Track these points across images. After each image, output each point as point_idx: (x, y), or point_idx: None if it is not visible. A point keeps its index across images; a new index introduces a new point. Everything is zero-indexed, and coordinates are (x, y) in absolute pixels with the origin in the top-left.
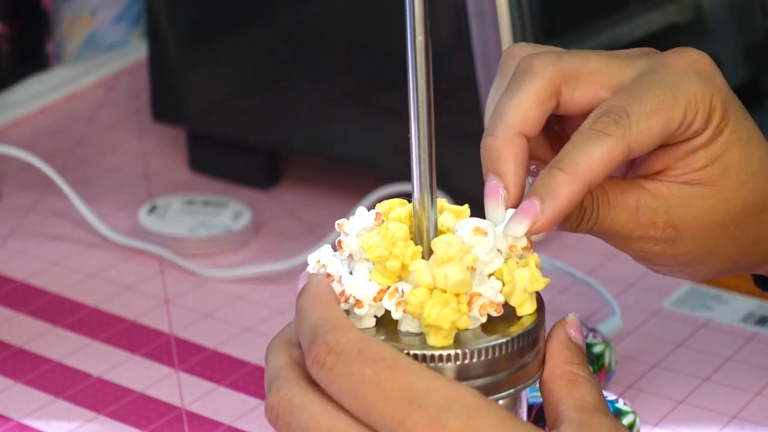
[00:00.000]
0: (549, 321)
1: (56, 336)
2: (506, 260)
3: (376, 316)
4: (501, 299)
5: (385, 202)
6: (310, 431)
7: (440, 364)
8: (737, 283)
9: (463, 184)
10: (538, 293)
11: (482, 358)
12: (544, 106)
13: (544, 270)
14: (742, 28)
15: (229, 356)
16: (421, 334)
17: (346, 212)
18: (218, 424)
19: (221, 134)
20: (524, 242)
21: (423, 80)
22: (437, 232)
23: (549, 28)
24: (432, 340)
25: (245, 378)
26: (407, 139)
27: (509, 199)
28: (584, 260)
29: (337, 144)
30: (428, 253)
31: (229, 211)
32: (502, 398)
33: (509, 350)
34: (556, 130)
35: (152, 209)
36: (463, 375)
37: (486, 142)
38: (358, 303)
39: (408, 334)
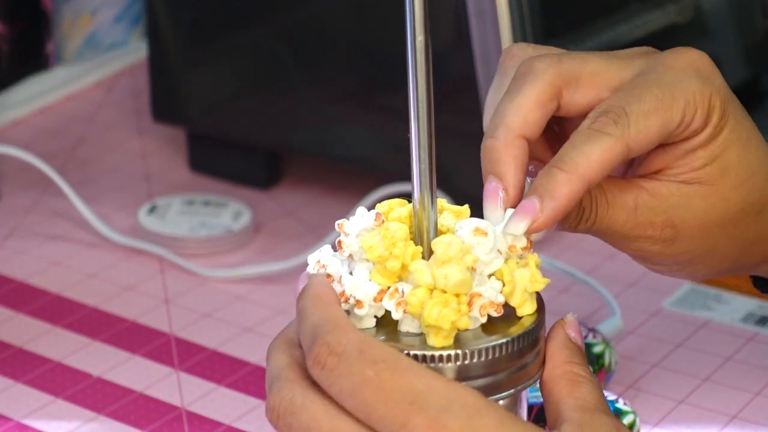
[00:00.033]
0: (549, 321)
1: (56, 336)
2: (506, 260)
3: (376, 317)
4: (501, 299)
5: (385, 203)
6: None
7: (440, 364)
8: (737, 283)
9: (463, 184)
10: (538, 293)
11: (482, 358)
12: (544, 109)
13: (544, 270)
14: (742, 28)
15: (229, 356)
16: (421, 335)
17: (346, 212)
18: (218, 424)
19: (221, 134)
20: (524, 242)
21: (423, 80)
22: (437, 233)
23: (549, 28)
24: (432, 340)
25: (245, 378)
26: (407, 139)
27: (508, 200)
28: (584, 260)
29: (337, 144)
30: (428, 254)
31: (229, 211)
32: (502, 398)
33: (509, 350)
34: (556, 131)
35: (152, 209)
36: (463, 375)
37: (486, 144)
38: (359, 303)
39: (408, 334)
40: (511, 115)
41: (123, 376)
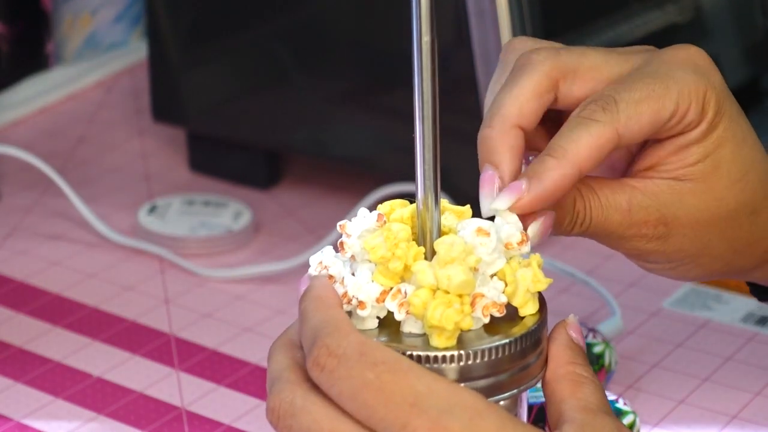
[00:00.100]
0: (550, 321)
1: (56, 336)
2: (509, 261)
3: (378, 318)
4: (504, 300)
5: (387, 203)
6: None
7: (443, 365)
8: (737, 283)
9: (463, 184)
10: (540, 293)
11: (485, 359)
12: (541, 100)
13: (544, 270)
14: (742, 28)
15: (229, 356)
16: (423, 335)
17: (346, 212)
18: (218, 424)
19: (221, 134)
20: (518, 237)
21: (428, 81)
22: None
23: (549, 28)
24: (435, 341)
25: (245, 378)
26: (407, 139)
27: (504, 188)
28: (584, 260)
29: (337, 144)
30: (431, 254)
31: (229, 211)
32: (504, 399)
33: (512, 351)
34: (558, 124)
35: (152, 209)
36: (465, 376)
37: (483, 134)
38: (361, 304)
39: (411, 335)
40: (508, 105)
41: (123, 376)
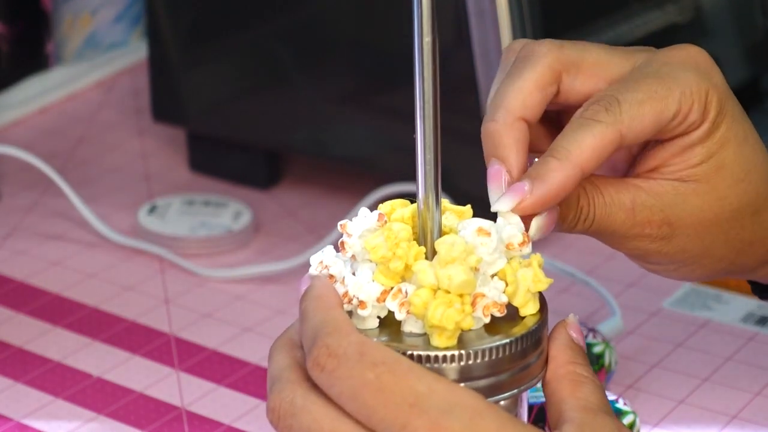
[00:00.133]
0: (550, 321)
1: (56, 336)
2: (509, 260)
3: (379, 317)
4: (504, 300)
5: (387, 203)
6: None
7: (443, 364)
8: (737, 283)
9: (464, 183)
10: (540, 293)
11: (485, 358)
12: (544, 92)
13: (544, 270)
14: (742, 28)
15: (229, 356)
16: (424, 335)
17: (346, 212)
18: (218, 424)
19: (221, 134)
20: (519, 238)
21: (429, 81)
22: (441, 233)
23: (549, 28)
24: (436, 340)
25: (245, 378)
26: (407, 139)
27: (512, 182)
28: (584, 260)
29: (337, 144)
30: (432, 254)
31: (229, 211)
32: (504, 399)
33: (512, 351)
34: (558, 125)
35: (152, 209)
36: (466, 376)
37: (487, 127)
38: (362, 304)
39: (411, 334)
40: (511, 98)
41: (123, 376)
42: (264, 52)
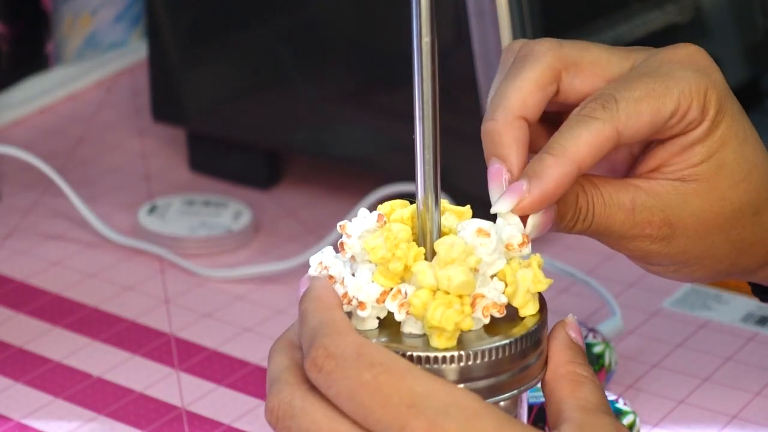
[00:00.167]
0: (550, 321)
1: (56, 336)
2: (509, 261)
3: (378, 318)
4: (504, 300)
5: (387, 204)
6: None
7: (443, 365)
8: (737, 283)
9: (463, 183)
10: (540, 294)
11: (485, 359)
12: (544, 91)
13: (544, 270)
14: (742, 28)
15: (229, 356)
16: (423, 336)
17: (346, 212)
18: (218, 424)
19: (221, 134)
20: (519, 239)
21: (429, 81)
22: (440, 234)
23: (549, 28)
24: (435, 341)
25: (245, 378)
26: (407, 139)
27: (512, 181)
28: (584, 260)
29: (337, 144)
30: (431, 255)
31: (229, 211)
32: (504, 400)
33: (512, 351)
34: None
35: (152, 209)
36: (465, 377)
37: (486, 126)
38: (361, 305)
39: (411, 335)
40: (511, 97)
41: (123, 376)
42: (264, 52)
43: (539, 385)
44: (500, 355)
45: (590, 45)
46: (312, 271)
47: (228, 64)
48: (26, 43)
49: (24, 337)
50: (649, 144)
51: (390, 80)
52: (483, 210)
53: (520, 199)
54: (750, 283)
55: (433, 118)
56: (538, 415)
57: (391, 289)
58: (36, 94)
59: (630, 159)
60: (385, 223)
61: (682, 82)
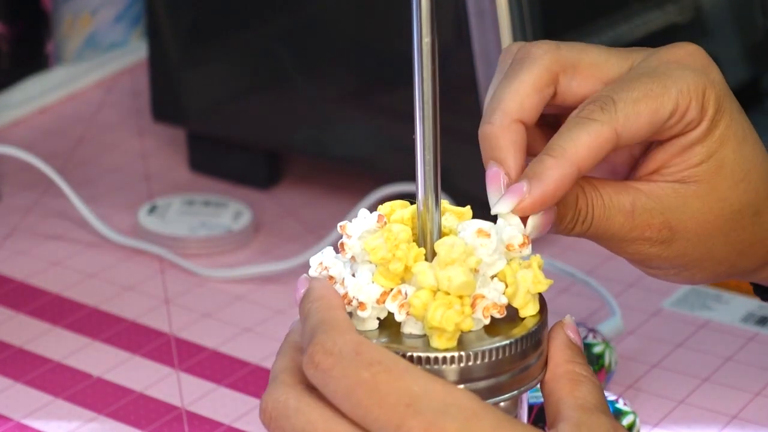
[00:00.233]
0: (550, 322)
1: (56, 336)
2: (509, 262)
3: (379, 319)
4: (504, 301)
5: (387, 204)
6: None
7: (443, 366)
8: (737, 283)
9: (463, 184)
10: (540, 294)
11: (485, 360)
12: (541, 94)
13: (544, 270)
14: (742, 28)
15: (229, 356)
16: (424, 337)
17: (346, 212)
18: (218, 424)
19: (221, 134)
20: (519, 239)
21: (429, 82)
22: (440, 234)
23: (549, 28)
24: (435, 342)
25: (245, 378)
26: (407, 139)
27: (510, 184)
28: (584, 260)
29: (337, 144)
30: (431, 255)
31: (229, 211)
32: (504, 400)
33: (512, 352)
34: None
35: (152, 209)
36: (465, 377)
37: (483, 130)
38: (361, 305)
39: (411, 336)
40: (508, 100)
41: (123, 376)
42: (264, 52)
43: (539, 385)
44: (500, 356)
45: (588, 47)
46: (312, 272)
47: (228, 64)
48: (26, 43)
49: (24, 337)
50: (649, 146)
51: (390, 80)
52: (483, 210)
53: (521, 200)
54: (752, 283)
55: (433, 118)
56: (538, 415)
57: (392, 289)
58: (36, 94)
59: (630, 161)
60: (385, 223)
61: (680, 82)
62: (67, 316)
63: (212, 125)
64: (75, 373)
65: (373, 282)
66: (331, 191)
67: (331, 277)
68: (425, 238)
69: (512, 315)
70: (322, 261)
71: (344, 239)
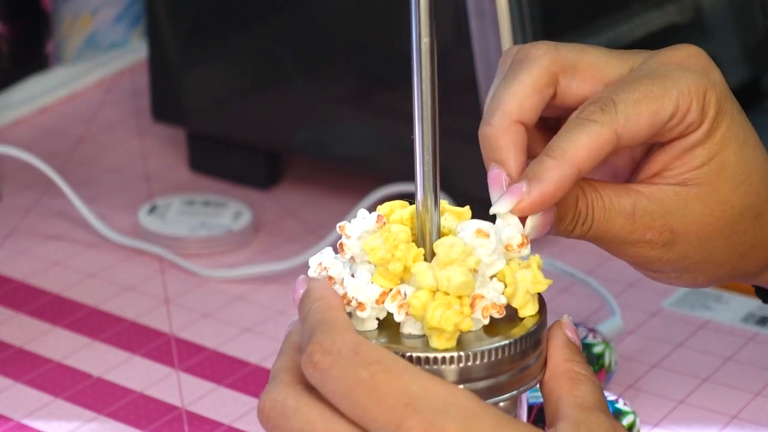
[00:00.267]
0: (549, 322)
1: (56, 336)
2: (508, 262)
3: (378, 319)
4: (503, 301)
5: (386, 204)
6: None
7: (443, 366)
8: (737, 284)
9: (463, 184)
10: (540, 294)
11: (485, 360)
12: (541, 94)
13: (544, 270)
14: (742, 28)
15: (229, 356)
16: (423, 337)
17: (346, 212)
18: (218, 424)
19: (221, 134)
20: (518, 239)
21: (428, 82)
22: (439, 235)
23: (549, 28)
24: (435, 342)
25: (245, 378)
26: (407, 140)
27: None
28: (584, 260)
29: (337, 144)
30: (430, 256)
31: (229, 211)
32: (504, 400)
33: (512, 352)
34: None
35: (152, 209)
36: (465, 377)
37: (483, 131)
38: (360, 306)
39: (410, 336)
40: (507, 101)
41: (123, 376)
42: (264, 52)
43: (539, 385)
44: (500, 356)
45: (588, 48)
46: (311, 272)
47: (228, 64)
48: (26, 43)
49: (24, 337)
50: (650, 149)
51: (390, 80)
52: (482, 210)
53: (519, 200)
54: (754, 285)
55: (433, 118)
56: (538, 415)
57: (391, 290)
58: (36, 94)
59: (631, 164)
60: (384, 223)
61: (680, 83)
62: (67, 316)
63: (212, 125)
64: (75, 373)
65: (372, 282)
66: (331, 191)
67: (330, 278)
68: (424, 239)
69: (511, 315)
70: (322, 261)
71: (343, 240)
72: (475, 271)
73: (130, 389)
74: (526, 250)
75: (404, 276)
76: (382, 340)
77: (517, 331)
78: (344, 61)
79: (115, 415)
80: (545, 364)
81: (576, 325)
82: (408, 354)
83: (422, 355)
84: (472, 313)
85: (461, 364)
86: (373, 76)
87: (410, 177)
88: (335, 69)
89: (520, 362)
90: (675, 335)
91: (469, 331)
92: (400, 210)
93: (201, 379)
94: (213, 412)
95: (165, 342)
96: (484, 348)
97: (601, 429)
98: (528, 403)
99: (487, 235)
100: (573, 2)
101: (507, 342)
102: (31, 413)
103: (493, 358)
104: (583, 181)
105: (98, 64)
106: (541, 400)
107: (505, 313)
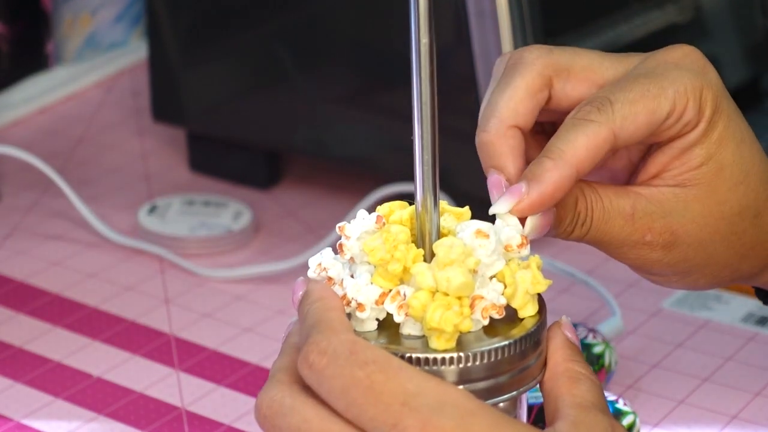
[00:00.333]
0: (549, 322)
1: (56, 336)
2: (508, 262)
3: (377, 320)
4: (503, 301)
5: (386, 205)
6: None
7: (442, 367)
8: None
9: (463, 184)
10: (539, 295)
11: (484, 360)
12: (535, 98)
13: (544, 270)
14: (742, 28)
15: (229, 356)
16: (423, 338)
17: (346, 212)
18: (218, 424)
19: (221, 134)
20: (518, 240)
21: (427, 82)
22: (439, 235)
23: (549, 28)
24: (434, 343)
25: (245, 378)
26: (407, 140)
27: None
28: (584, 260)
29: (337, 144)
30: (430, 256)
31: (229, 211)
32: (504, 401)
33: (511, 353)
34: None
35: (152, 209)
36: (465, 378)
37: (480, 138)
38: (360, 306)
39: (410, 337)
40: (502, 107)
41: (123, 376)
42: (264, 52)
43: (539, 385)
44: (499, 357)
45: (581, 51)
46: (311, 273)
47: (228, 64)
48: (26, 43)
49: (24, 337)
50: (648, 150)
51: (390, 80)
52: (482, 211)
53: (519, 201)
54: (753, 286)
55: (432, 118)
56: (538, 415)
57: (390, 290)
58: (36, 94)
59: (630, 167)
60: (384, 224)
61: (677, 82)
62: (67, 316)
63: (212, 125)
64: (75, 373)
65: (371, 283)
66: (331, 191)
67: (329, 279)
68: (424, 239)
69: (511, 315)
70: (321, 262)
71: (343, 240)
72: (474, 271)
73: (130, 389)
74: (526, 251)
75: (404, 277)
76: (382, 341)
77: (517, 332)
78: (344, 61)
79: (115, 415)
80: (545, 364)
81: (576, 325)
82: (407, 355)
83: (422, 355)
84: (471, 313)
85: (461, 365)
86: (373, 76)
87: (410, 177)
88: (335, 69)
89: (519, 363)
90: (675, 335)
91: (469, 332)
92: (399, 210)
93: (201, 379)
94: (213, 412)
95: (165, 342)
96: (483, 349)
97: (600, 428)
98: (528, 403)
99: (487, 236)
100: (573, 2)
101: (507, 343)
102: (31, 413)
103: (492, 359)
104: (583, 182)
105: (98, 64)
106: (541, 400)
107: (504, 313)
